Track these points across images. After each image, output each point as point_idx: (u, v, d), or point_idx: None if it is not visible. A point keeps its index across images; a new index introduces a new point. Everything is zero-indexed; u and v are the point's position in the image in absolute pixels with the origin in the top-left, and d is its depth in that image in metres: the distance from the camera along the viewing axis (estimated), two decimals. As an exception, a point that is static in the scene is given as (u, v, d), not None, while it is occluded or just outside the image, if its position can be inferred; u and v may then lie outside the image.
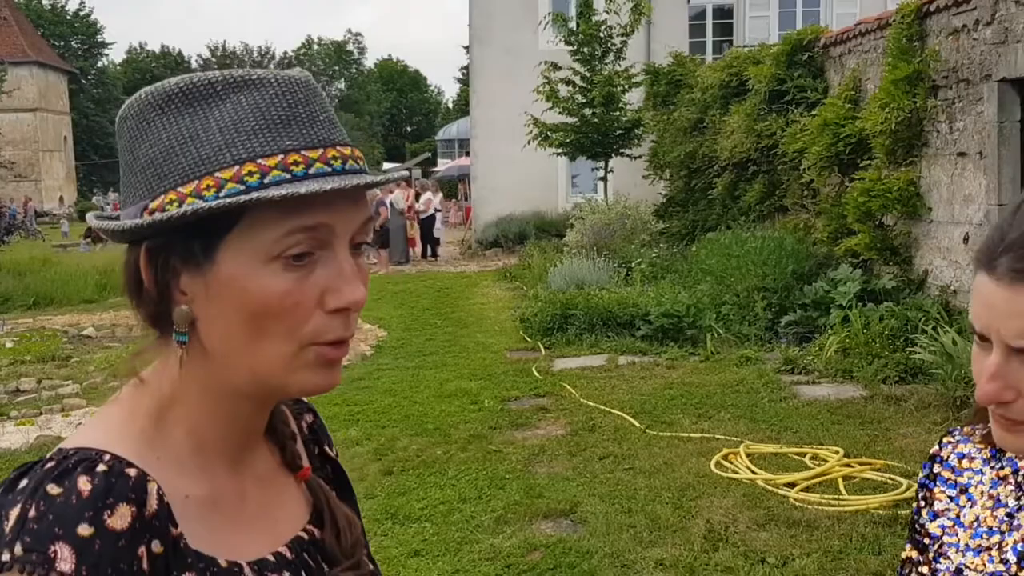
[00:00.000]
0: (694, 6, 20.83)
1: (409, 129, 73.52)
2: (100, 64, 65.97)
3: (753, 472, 5.70)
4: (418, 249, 21.45)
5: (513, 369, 8.82)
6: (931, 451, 1.25)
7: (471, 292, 14.77)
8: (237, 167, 0.83)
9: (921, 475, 1.24)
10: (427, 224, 21.41)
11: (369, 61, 77.60)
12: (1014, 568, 1.06)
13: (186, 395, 0.90)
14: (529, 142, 16.84)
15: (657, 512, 5.15)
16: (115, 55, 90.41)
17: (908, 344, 7.72)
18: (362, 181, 0.86)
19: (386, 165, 47.11)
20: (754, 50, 13.32)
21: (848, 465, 5.68)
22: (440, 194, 23.41)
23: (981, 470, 1.16)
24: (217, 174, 0.83)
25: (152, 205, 0.85)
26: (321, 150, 0.86)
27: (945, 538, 1.15)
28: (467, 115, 24.50)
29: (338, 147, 0.88)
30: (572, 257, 13.00)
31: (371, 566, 1.06)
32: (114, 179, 46.02)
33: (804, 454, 5.95)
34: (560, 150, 17.12)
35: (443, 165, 38.64)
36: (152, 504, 0.82)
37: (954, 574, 1.11)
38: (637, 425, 6.74)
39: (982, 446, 1.17)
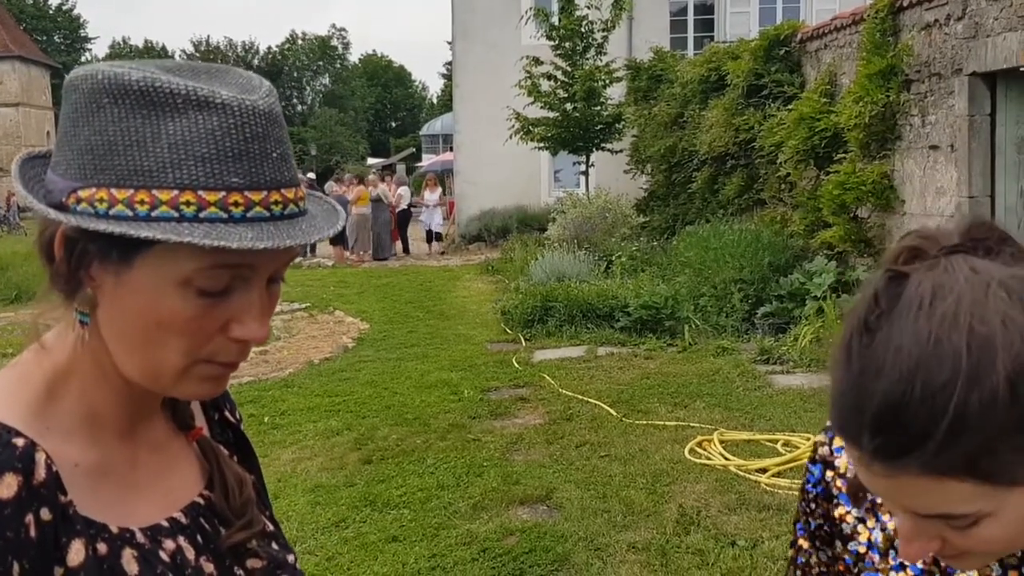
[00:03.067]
0: (675, 2, 20.92)
1: (394, 124, 73.41)
2: (83, 59, 65.53)
3: (726, 458, 5.81)
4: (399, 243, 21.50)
5: (493, 360, 8.91)
6: (820, 451, 1.11)
7: (453, 285, 14.83)
8: (176, 192, 0.82)
9: (812, 472, 1.12)
10: (401, 218, 21.39)
11: (353, 56, 77.48)
12: None
13: (81, 368, 0.91)
14: (511, 136, 16.90)
15: (631, 497, 5.25)
16: (98, 50, 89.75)
17: (880, 334, 7.85)
18: (295, 242, 0.86)
19: (370, 160, 47.05)
20: (733, 45, 13.43)
21: (819, 451, 5.79)
22: (439, 188, 22.54)
23: None
24: (155, 191, 0.82)
25: (81, 194, 0.84)
26: (265, 193, 0.85)
27: (861, 565, 1.05)
28: (451, 110, 24.47)
29: (283, 190, 0.87)
30: (553, 250, 13.08)
31: (269, 526, 1.07)
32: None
33: (776, 441, 6.06)
34: (542, 144, 17.18)
35: (427, 160, 38.59)
36: (40, 473, 0.83)
37: None
38: (614, 414, 6.84)
39: None
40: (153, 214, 0.82)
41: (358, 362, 9.14)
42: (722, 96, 12.68)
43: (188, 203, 0.82)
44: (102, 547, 0.87)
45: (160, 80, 0.83)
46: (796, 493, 4.72)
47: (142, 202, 0.82)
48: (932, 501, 0.81)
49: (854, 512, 1.06)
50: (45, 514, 0.83)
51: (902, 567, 1.00)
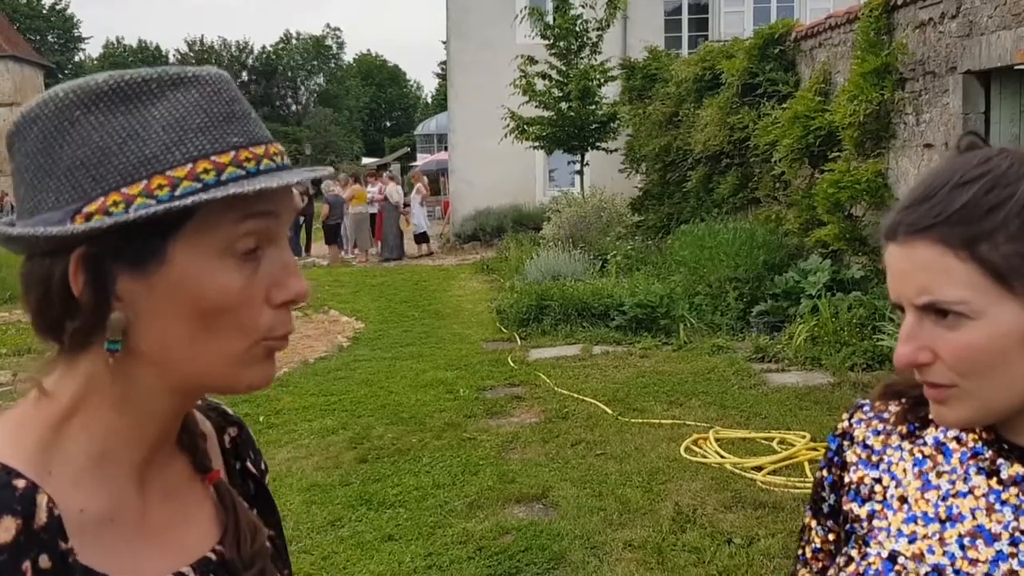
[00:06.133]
0: (670, 1, 20.93)
1: (388, 124, 73.45)
2: (77, 59, 65.45)
3: (722, 456, 5.81)
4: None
5: (489, 359, 8.91)
6: (840, 426, 1.20)
7: (448, 285, 14.83)
8: (191, 165, 0.81)
9: (830, 448, 1.21)
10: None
11: (348, 56, 77.54)
12: (959, 563, 1.01)
13: (90, 406, 0.86)
14: (506, 136, 16.90)
15: (627, 495, 5.25)
16: (92, 49, 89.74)
17: (875, 332, 7.86)
18: (311, 176, 0.88)
19: (365, 160, 46.99)
20: (727, 44, 13.43)
21: (814, 449, 5.79)
22: (419, 184, 21.80)
23: (900, 446, 1.13)
24: (169, 173, 0.81)
25: (89, 209, 0.80)
26: (264, 146, 0.86)
27: (875, 522, 1.10)
28: (446, 110, 24.43)
29: (273, 143, 0.88)
30: (548, 249, 13.07)
31: None
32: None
33: (772, 439, 6.07)
34: (537, 143, 17.18)
35: (422, 159, 38.57)
36: (41, 517, 0.79)
37: (887, 560, 1.06)
38: (609, 412, 6.84)
39: (897, 420, 1.15)
40: (177, 192, 0.80)
41: (353, 361, 9.13)
42: (717, 95, 12.69)
43: (206, 170, 0.81)
44: None
45: (128, 74, 0.83)
46: (791, 491, 4.75)
47: (160, 187, 0.80)
48: (934, 279, 0.96)
49: (871, 474, 1.13)
50: (44, 561, 0.78)
51: (913, 520, 1.06)
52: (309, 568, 4.57)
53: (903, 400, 1.15)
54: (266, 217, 0.85)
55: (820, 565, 1.24)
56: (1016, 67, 7.20)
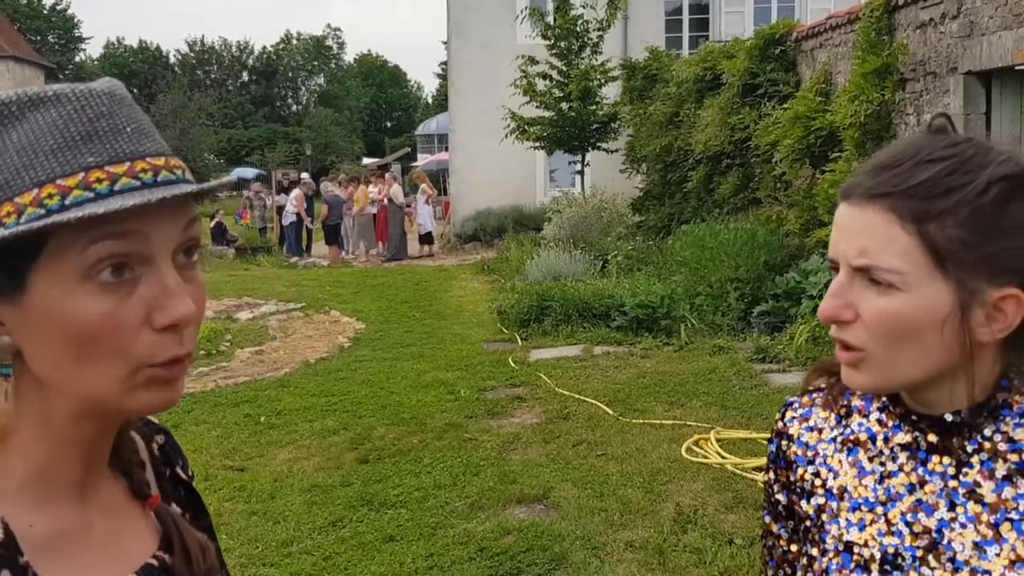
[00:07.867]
0: (670, 1, 20.94)
1: (389, 124, 73.43)
2: (77, 59, 65.46)
3: (723, 457, 5.81)
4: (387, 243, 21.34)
5: (490, 360, 8.90)
6: (776, 427, 1.23)
7: (449, 285, 14.81)
8: (36, 190, 0.79)
9: (771, 450, 1.24)
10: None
11: (348, 56, 77.55)
12: (908, 539, 1.06)
13: (20, 425, 0.86)
14: (507, 136, 16.90)
15: (628, 496, 5.25)
16: (92, 50, 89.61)
17: (876, 332, 7.86)
18: (169, 193, 0.81)
19: (366, 160, 47.01)
20: (728, 44, 13.44)
21: (815, 450, 5.79)
22: (423, 184, 21.86)
23: (833, 438, 1.16)
24: (16, 199, 0.79)
25: None
26: (128, 164, 0.81)
27: (823, 516, 1.14)
28: (446, 110, 24.44)
29: (148, 159, 0.83)
30: (549, 250, 13.07)
31: None
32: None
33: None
34: (537, 144, 17.19)
35: (422, 160, 38.57)
36: None
37: (844, 552, 1.10)
38: (610, 413, 6.84)
39: (825, 414, 1.19)
40: (21, 220, 0.78)
41: (354, 362, 9.13)
42: (717, 95, 12.69)
43: (50, 195, 0.79)
44: None
45: None
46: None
47: (8, 214, 0.79)
48: (876, 244, 0.99)
49: (810, 470, 1.17)
50: None
51: (857, 507, 1.11)
52: (310, 569, 4.57)
53: (830, 383, 1.19)
54: (123, 239, 0.81)
55: (788, 568, 1.25)
56: (1017, 67, 7.20)
